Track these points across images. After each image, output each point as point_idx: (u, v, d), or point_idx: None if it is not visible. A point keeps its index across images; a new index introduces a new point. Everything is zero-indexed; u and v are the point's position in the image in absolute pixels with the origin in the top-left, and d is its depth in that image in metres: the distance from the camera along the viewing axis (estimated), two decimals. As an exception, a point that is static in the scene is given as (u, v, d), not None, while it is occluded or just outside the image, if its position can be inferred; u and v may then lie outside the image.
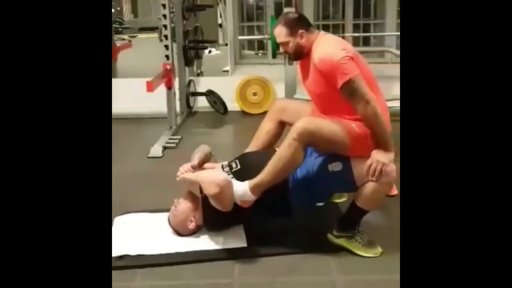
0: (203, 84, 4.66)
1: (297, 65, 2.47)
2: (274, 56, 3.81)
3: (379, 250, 2.05)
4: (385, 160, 1.88)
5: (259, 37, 5.68)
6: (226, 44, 5.73)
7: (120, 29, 8.53)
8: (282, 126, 2.29)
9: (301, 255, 2.07)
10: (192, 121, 4.36)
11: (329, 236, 2.10)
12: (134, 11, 10.98)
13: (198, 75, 4.90)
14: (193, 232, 2.19)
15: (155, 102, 3.92)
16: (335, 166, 2.00)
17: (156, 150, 3.41)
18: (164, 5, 3.77)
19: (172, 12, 3.95)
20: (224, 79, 4.96)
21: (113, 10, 7.70)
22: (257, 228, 2.21)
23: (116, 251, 1.99)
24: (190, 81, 4.43)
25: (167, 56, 3.82)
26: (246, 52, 6.03)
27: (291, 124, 2.04)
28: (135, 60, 5.67)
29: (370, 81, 1.97)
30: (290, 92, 3.82)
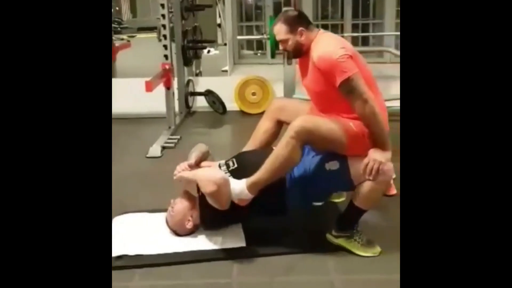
0: (202, 84, 4.65)
1: (296, 65, 2.47)
2: (273, 56, 3.81)
3: (378, 249, 2.05)
4: (382, 159, 1.88)
5: (258, 37, 5.68)
6: (225, 44, 5.72)
7: (118, 29, 8.51)
8: (280, 125, 2.29)
9: (299, 255, 2.07)
10: (191, 121, 4.36)
11: (328, 236, 2.10)
12: (133, 11, 10.97)
13: (197, 75, 4.90)
14: (191, 232, 2.19)
15: (154, 102, 3.92)
16: (332, 165, 2.00)
17: (155, 150, 3.41)
18: (162, 5, 3.77)
19: (171, 12, 3.95)
20: (223, 79, 4.96)
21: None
22: (256, 228, 2.21)
23: (114, 251, 1.99)
24: (189, 81, 4.43)
25: (166, 56, 3.82)
26: (245, 52, 6.02)
27: (288, 123, 2.03)
28: (134, 60, 5.66)
29: (369, 80, 1.97)
30: (289, 92, 3.83)
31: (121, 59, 5.24)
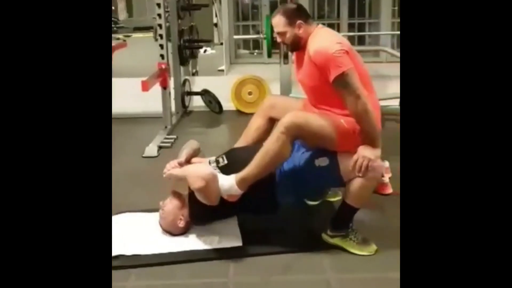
0: (198, 83, 4.65)
1: (292, 65, 2.47)
2: (269, 55, 3.81)
3: (373, 248, 2.06)
4: (371, 156, 1.88)
5: (255, 36, 5.68)
6: (221, 44, 5.72)
7: (115, 28, 8.51)
8: (272, 123, 2.27)
9: (296, 254, 2.07)
10: (187, 120, 4.36)
11: (324, 236, 2.11)
12: (129, 10, 10.95)
13: (193, 74, 4.89)
14: (185, 230, 2.19)
15: (150, 101, 3.92)
16: (322, 161, 2.01)
17: (151, 149, 3.40)
18: (159, 4, 3.76)
19: (167, 11, 3.94)
20: (219, 79, 4.96)
21: (108, 10, 7.66)
22: (252, 227, 2.21)
23: (111, 251, 1.98)
24: (185, 80, 4.42)
25: (162, 56, 3.81)
26: (242, 51, 6.02)
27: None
28: (130, 59, 5.64)
29: (364, 78, 1.98)
30: (285, 91, 3.82)
31: (117, 59, 5.20)
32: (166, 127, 3.86)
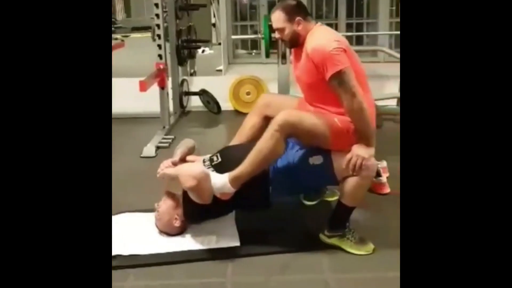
0: (197, 83, 4.65)
1: (290, 65, 2.47)
2: (267, 55, 3.81)
3: (371, 247, 2.06)
4: (365, 155, 1.89)
5: (253, 36, 5.69)
6: (220, 44, 5.73)
7: (113, 28, 8.50)
8: (267, 121, 2.24)
9: (294, 254, 2.07)
10: (185, 120, 4.36)
11: (321, 236, 2.11)
12: (127, 10, 10.96)
13: (191, 74, 4.90)
14: (182, 230, 2.19)
15: (148, 101, 3.91)
16: (316, 159, 2.01)
17: (149, 149, 3.40)
18: (157, 5, 3.76)
19: (165, 11, 3.94)
20: (217, 79, 4.96)
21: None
22: (250, 227, 2.21)
23: (109, 251, 1.98)
24: (183, 80, 4.42)
25: (160, 56, 3.81)
26: (240, 51, 6.03)
27: None
28: (128, 59, 5.64)
29: (360, 77, 1.98)
30: (284, 91, 3.82)
31: (115, 59, 5.18)
32: (164, 127, 3.86)
